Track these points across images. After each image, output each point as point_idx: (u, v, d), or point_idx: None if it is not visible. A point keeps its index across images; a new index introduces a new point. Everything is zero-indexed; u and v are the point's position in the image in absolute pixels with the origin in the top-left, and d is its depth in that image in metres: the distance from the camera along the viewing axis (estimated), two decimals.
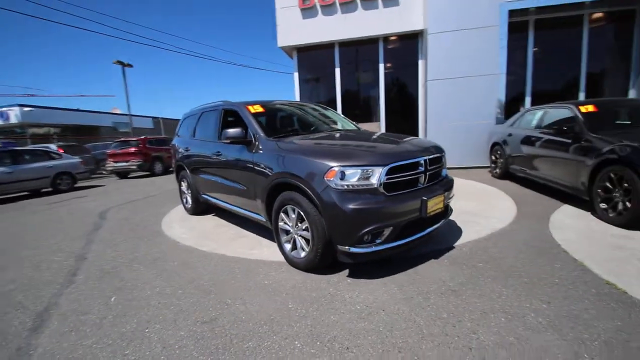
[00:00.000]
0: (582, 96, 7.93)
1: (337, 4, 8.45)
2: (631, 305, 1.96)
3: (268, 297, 2.36)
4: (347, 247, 2.42)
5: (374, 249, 2.44)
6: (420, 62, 8.61)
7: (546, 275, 2.42)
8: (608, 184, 3.52)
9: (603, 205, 3.59)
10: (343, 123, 4.26)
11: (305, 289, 2.45)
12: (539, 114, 5.33)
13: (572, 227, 3.47)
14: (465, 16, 7.38)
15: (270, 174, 2.94)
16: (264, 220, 3.27)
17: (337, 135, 3.63)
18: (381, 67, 8.89)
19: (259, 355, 1.73)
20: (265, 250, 3.33)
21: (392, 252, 2.54)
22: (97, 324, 2.16)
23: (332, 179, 2.42)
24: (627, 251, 2.74)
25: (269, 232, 3.32)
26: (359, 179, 2.41)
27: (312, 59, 9.41)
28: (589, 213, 3.82)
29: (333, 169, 2.42)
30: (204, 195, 4.56)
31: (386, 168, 2.46)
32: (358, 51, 9.14)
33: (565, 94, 8.06)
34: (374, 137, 3.48)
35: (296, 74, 9.35)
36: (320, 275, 2.64)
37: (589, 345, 1.63)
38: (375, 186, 2.43)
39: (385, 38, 8.70)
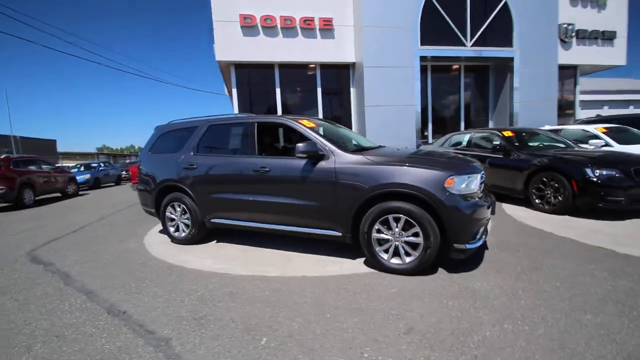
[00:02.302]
0: (462, 124, 10.67)
1: (279, 28, 8.72)
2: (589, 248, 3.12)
3: (424, 302, 2.47)
4: (464, 245, 2.80)
5: (478, 244, 2.90)
6: (352, 90, 9.75)
7: (534, 239, 3.57)
8: (541, 185, 5.09)
9: (538, 201, 5.14)
10: (365, 141, 4.58)
11: (444, 287, 2.66)
12: (466, 136, 7.01)
13: (525, 215, 4.88)
14: (391, 55, 8.91)
15: (363, 186, 3.02)
16: (338, 235, 3.26)
17: (407, 150, 3.84)
18: (319, 90, 9.58)
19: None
20: (339, 265, 3.29)
21: (481, 247, 3.06)
22: None
23: (451, 186, 2.78)
24: (564, 223, 4.13)
25: (304, 245, 3.67)
26: (466, 185, 2.86)
27: (252, 77, 9.26)
28: (525, 207, 5.36)
29: (452, 177, 2.80)
30: (215, 220, 3.97)
31: (479, 175, 3.00)
32: (297, 74, 9.56)
33: (453, 122, 10.67)
34: (439, 153, 3.89)
35: (235, 90, 8.97)
36: (430, 276, 2.90)
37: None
38: (475, 191, 2.94)
39: (322, 65, 9.46)
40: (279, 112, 9.28)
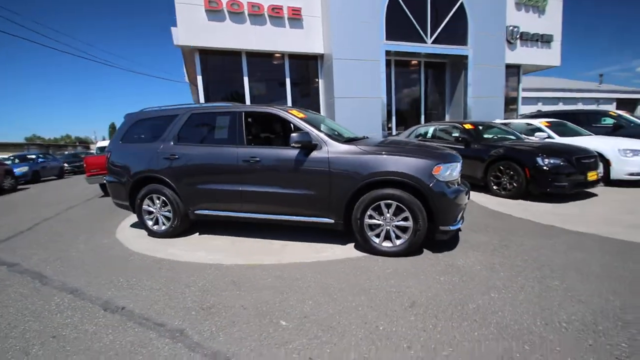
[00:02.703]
0: (423, 117, 11.31)
1: (246, 15, 8.46)
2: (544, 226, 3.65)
3: (420, 280, 2.70)
4: (448, 226, 3.09)
5: (458, 225, 3.22)
6: (320, 81, 9.83)
7: (497, 220, 3.95)
8: (498, 173, 5.67)
9: (496, 187, 5.73)
10: (346, 131, 4.71)
11: (433, 265, 2.92)
12: (430, 129, 7.49)
13: (485, 200, 5.43)
14: (359, 49, 9.11)
15: (358, 175, 3.17)
16: (331, 222, 3.39)
17: (394, 141, 4.02)
18: (287, 81, 9.50)
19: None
20: (331, 251, 3.42)
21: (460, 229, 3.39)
22: None
23: (438, 173, 3.04)
24: (519, 206, 4.72)
25: (291, 234, 3.80)
26: (450, 173, 3.14)
27: (218, 64, 8.90)
28: (485, 193, 5.94)
29: (439, 165, 3.05)
30: (201, 211, 3.88)
31: (459, 164, 3.31)
32: (266, 63, 9.38)
33: (413, 114, 11.26)
34: (417, 143, 4.14)
35: (200, 77, 8.57)
36: (418, 257, 3.15)
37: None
38: (457, 178, 3.24)
39: (291, 55, 9.38)
40: (247, 101, 9.07)
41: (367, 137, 4.21)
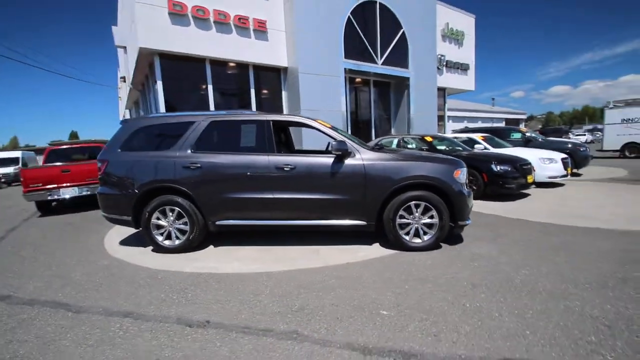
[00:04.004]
0: (373, 130, 12.33)
1: (212, 21, 8.26)
2: (506, 220, 4.61)
3: (459, 267, 3.15)
4: (465, 221, 3.65)
5: (470, 221, 3.81)
6: (284, 93, 10.02)
7: (474, 217, 4.79)
8: None
9: None
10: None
11: (459, 255, 3.41)
12: (395, 140, 8.33)
13: None
14: (322, 64, 9.63)
15: (392, 178, 3.53)
16: (363, 224, 3.68)
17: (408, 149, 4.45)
18: (252, 91, 9.46)
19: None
20: (363, 251, 3.69)
21: None
22: None
23: (458, 176, 3.60)
24: (483, 205, 5.71)
25: (310, 239, 3.99)
26: (463, 176, 3.74)
27: (179, 70, 8.39)
28: None
29: (458, 169, 3.61)
30: (224, 222, 3.76)
31: (466, 169, 3.95)
32: (230, 72, 9.18)
33: (365, 127, 12.21)
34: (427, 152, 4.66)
35: (160, 83, 7.97)
36: (441, 250, 3.64)
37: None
38: (465, 181, 3.86)
39: (255, 66, 9.39)
40: (212, 109, 8.74)
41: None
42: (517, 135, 10.93)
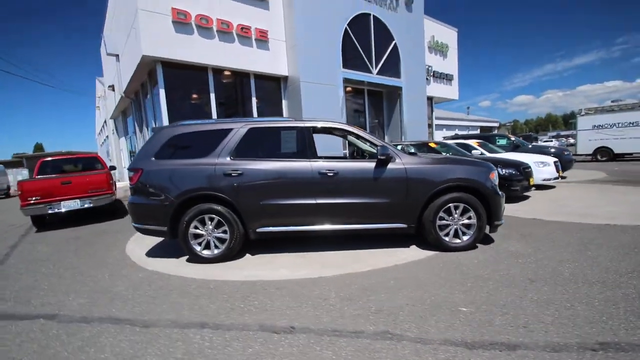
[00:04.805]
0: None
1: (215, 31, 8.22)
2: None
3: (506, 265, 3.28)
4: (500, 221, 3.83)
5: (503, 220, 3.99)
6: (284, 102, 10.06)
7: None
8: None
9: None
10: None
11: (499, 253, 3.55)
12: (399, 147, 8.53)
13: None
14: (322, 74, 9.79)
15: (433, 181, 3.65)
16: (404, 226, 3.76)
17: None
18: (254, 100, 9.44)
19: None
20: (403, 254, 3.75)
21: None
22: None
23: (493, 178, 3.78)
24: None
25: (344, 244, 4.05)
26: (496, 178, 3.92)
27: (182, 78, 8.24)
28: None
29: (492, 171, 3.80)
30: (264, 229, 3.72)
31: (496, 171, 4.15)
32: (232, 81, 9.11)
33: None
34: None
35: (162, 91, 7.79)
36: (479, 249, 3.78)
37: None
38: (497, 182, 4.05)
39: (256, 75, 9.39)
40: (214, 116, 8.62)
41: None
42: (502, 142, 11.55)
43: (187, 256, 3.96)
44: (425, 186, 3.66)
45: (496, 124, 42.38)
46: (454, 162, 3.87)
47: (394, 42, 12.03)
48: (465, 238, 3.74)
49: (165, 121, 7.86)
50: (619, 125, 14.75)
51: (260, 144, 3.89)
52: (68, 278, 3.57)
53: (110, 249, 4.62)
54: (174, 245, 4.58)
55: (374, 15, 11.26)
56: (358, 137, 3.97)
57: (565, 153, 10.43)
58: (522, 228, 4.58)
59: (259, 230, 3.73)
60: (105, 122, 18.62)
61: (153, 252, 4.31)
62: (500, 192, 3.81)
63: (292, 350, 2.00)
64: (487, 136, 11.73)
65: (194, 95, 8.66)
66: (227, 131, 3.82)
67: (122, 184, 9.78)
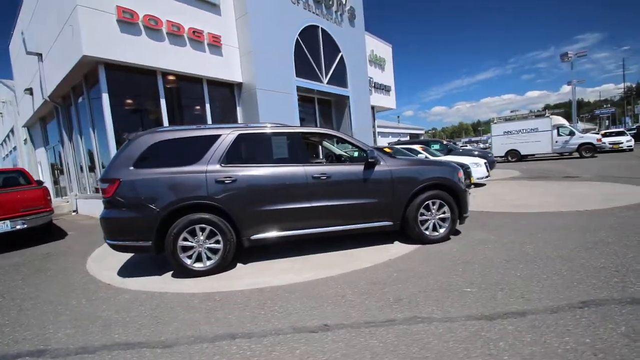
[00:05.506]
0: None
1: (165, 33, 7.74)
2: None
3: (480, 249, 3.76)
4: (467, 214, 4.37)
5: (469, 213, 4.55)
6: (239, 109, 9.84)
7: None
8: None
9: None
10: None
11: (475, 241, 4.04)
12: (356, 153, 8.99)
13: None
14: (277, 81, 9.84)
15: (415, 181, 4.02)
16: (390, 224, 4.06)
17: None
18: (207, 106, 9.04)
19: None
20: (391, 250, 4.04)
21: None
22: None
23: (460, 177, 4.31)
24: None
25: (329, 245, 4.30)
26: (462, 176, 4.47)
27: (128, 82, 7.53)
28: None
29: (460, 171, 4.32)
30: (258, 235, 3.67)
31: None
32: (184, 86, 8.60)
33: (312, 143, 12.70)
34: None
35: (106, 95, 7.02)
36: (453, 239, 4.26)
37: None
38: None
39: (210, 81, 9.04)
40: (165, 124, 8.03)
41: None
42: (436, 146, 12.92)
43: (171, 272, 3.70)
44: (408, 186, 4.01)
45: (422, 132, 46.82)
46: (428, 163, 4.33)
47: (340, 54, 12.66)
48: (441, 231, 4.18)
49: (110, 128, 7.09)
50: (524, 131, 17.63)
51: (250, 150, 3.85)
52: (32, 309, 3.05)
53: (69, 273, 4.04)
54: (147, 262, 4.25)
55: (322, 28, 11.73)
56: (346, 141, 4.17)
57: (489, 155, 12.11)
58: (478, 219, 5.25)
59: (253, 237, 3.66)
60: (11, 131, 15.74)
61: (126, 272, 3.89)
62: (466, 189, 4.35)
63: (339, 345, 2.07)
64: (426, 141, 12.99)
65: (143, 101, 7.98)
66: (215, 137, 3.69)
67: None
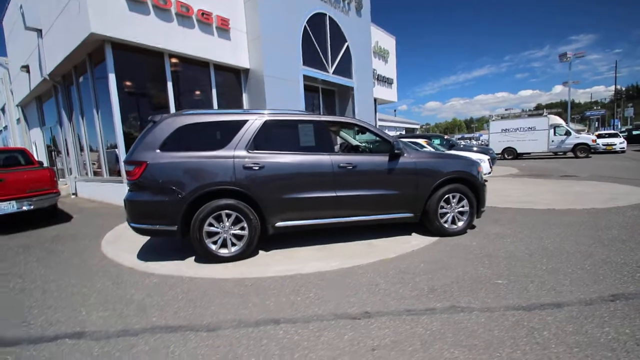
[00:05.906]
0: None
1: (174, 13, 7.50)
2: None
3: (506, 242, 3.84)
4: (484, 208, 4.44)
5: (485, 207, 4.62)
6: (245, 95, 9.68)
7: None
8: None
9: None
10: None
11: (496, 234, 4.12)
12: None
13: None
14: (284, 69, 9.69)
15: (438, 174, 4.05)
16: (411, 215, 4.10)
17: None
18: (214, 92, 8.87)
19: None
20: (412, 241, 4.08)
21: None
22: None
23: (481, 171, 4.36)
24: None
25: (351, 235, 4.40)
26: (481, 170, 4.52)
27: (135, 63, 7.32)
28: None
29: (480, 165, 4.37)
30: (283, 223, 3.66)
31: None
32: (190, 70, 8.40)
33: None
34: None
35: (112, 76, 6.81)
36: (472, 232, 4.33)
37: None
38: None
39: (217, 65, 8.84)
40: (172, 108, 7.87)
41: None
42: (437, 141, 13.02)
43: (193, 257, 3.68)
44: (431, 178, 4.04)
45: (418, 126, 46.99)
46: (449, 157, 4.36)
47: (346, 44, 12.51)
48: (460, 224, 4.24)
49: (116, 110, 6.90)
50: (521, 129, 17.86)
51: (277, 136, 3.80)
52: (57, 291, 3.00)
53: (85, 256, 3.98)
54: (164, 246, 4.23)
55: (329, 16, 11.54)
56: (371, 132, 4.15)
57: (491, 152, 12.26)
58: (489, 215, 5.33)
59: (277, 224, 3.66)
60: (2, 109, 15.15)
61: (146, 255, 3.86)
62: (485, 183, 4.41)
63: (385, 332, 2.11)
64: (428, 136, 13.06)
65: (149, 83, 7.77)
66: (242, 123, 3.63)
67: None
